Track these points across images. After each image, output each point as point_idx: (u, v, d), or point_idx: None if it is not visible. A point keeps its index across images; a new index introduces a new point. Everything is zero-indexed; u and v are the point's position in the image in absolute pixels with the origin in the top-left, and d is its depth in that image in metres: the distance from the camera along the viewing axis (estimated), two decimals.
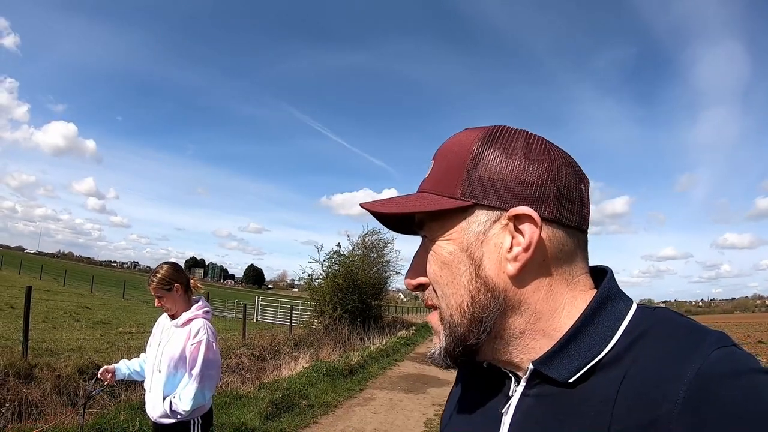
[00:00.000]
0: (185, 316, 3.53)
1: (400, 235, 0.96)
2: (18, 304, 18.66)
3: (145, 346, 3.76)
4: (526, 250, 0.74)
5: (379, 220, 0.91)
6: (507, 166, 0.77)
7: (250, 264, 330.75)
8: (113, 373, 3.71)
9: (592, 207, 0.84)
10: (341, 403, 9.71)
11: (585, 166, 0.85)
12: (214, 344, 3.52)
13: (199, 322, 3.52)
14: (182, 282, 3.58)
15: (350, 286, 21.18)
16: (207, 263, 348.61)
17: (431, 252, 0.82)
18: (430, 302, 0.85)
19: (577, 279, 0.79)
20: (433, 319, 0.85)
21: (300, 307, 26.58)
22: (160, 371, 3.45)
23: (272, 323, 28.04)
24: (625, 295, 0.79)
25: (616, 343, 0.72)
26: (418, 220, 0.86)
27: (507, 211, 0.76)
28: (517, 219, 0.75)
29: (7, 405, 6.43)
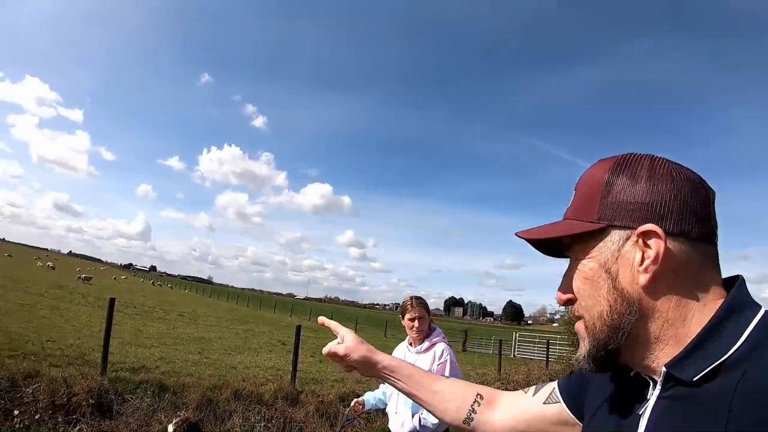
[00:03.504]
0: (428, 342, 3.99)
1: None
2: (289, 341, 20.85)
3: None
4: (654, 262, 0.84)
5: (534, 247, 1.05)
6: (633, 189, 0.89)
7: (508, 300, 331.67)
8: (363, 404, 4.22)
9: None
10: None
11: None
12: (455, 363, 3.92)
13: (442, 345, 3.95)
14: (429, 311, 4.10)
15: None
16: (466, 302, 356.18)
17: (576, 270, 0.96)
18: (576, 313, 0.97)
19: (707, 289, 0.86)
20: (579, 326, 0.98)
21: (558, 342, 25.95)
22: None
23: (529, 359, 27.73)
24: (755, 302, 0.85)
25: (739, 346, 0.77)
26: (565, 244, 1.00)
27: (636, 229, 0.87)
28: (645, 235, 0.86)
29: (273, 421, 7.71)
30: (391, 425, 3.97)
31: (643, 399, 0.90)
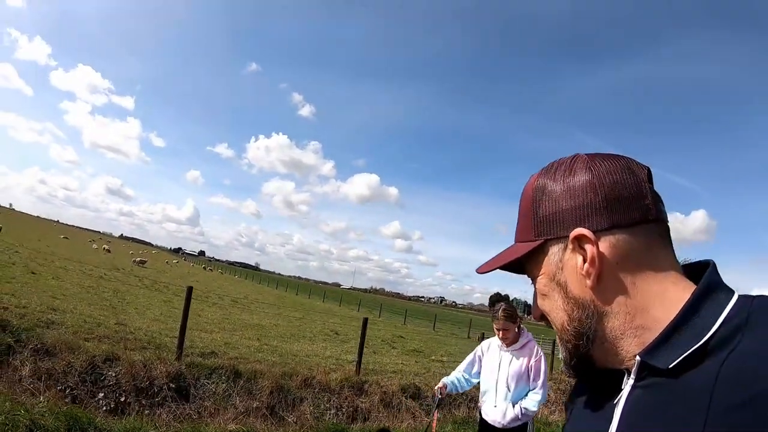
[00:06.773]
0: (522, 341, 4.67)
1: None
2: (342, 330, 21.46)
3: (461, 364, 5.05)
4: (591, 264, 0.87)
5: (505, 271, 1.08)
6: (556, 197, 0.93)
7: None
8: (446, 387, 4.85)
9: None
10: None
11: None
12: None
13: (533, 344, 4.71)
14: (518, 316, 4.71)
15: None
16: (511, 299, 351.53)
17: (536, 288, 1.01)
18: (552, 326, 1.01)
19: (663, 273, 0.87)
20: (557, 339, 1.01)
21: None
22: (508, 386, 4.54)
23: None
24: (727, 287, 0.84)
25: (715, 331, 0.76)
26: (520, 265, 1.03)
27: (569, 237, 0.90)
28: (578, 240, 0.89)
29: (343, 409, 8.16)
30: (489, 416, 4.60)
31: (619, 390, 0.89)
